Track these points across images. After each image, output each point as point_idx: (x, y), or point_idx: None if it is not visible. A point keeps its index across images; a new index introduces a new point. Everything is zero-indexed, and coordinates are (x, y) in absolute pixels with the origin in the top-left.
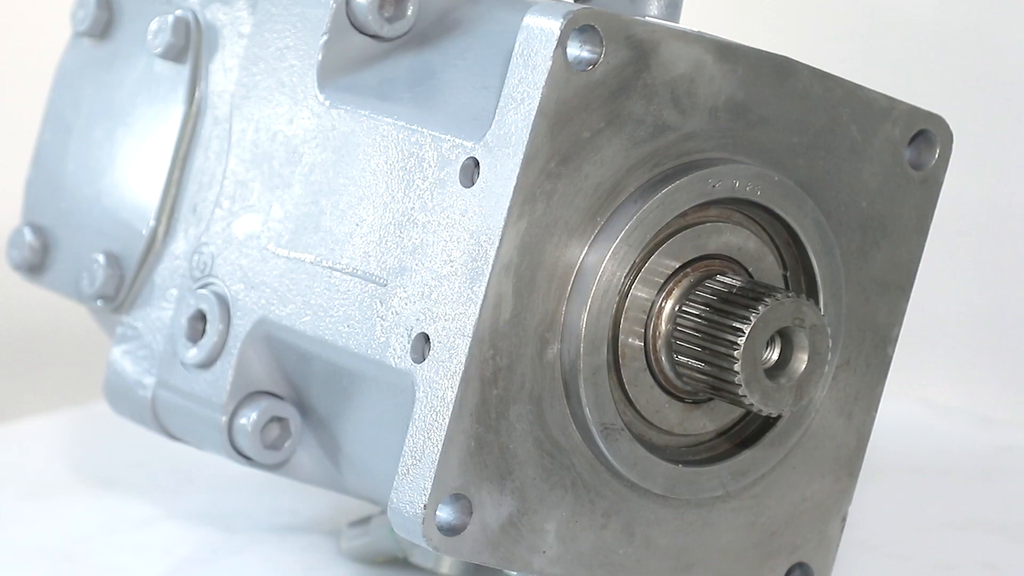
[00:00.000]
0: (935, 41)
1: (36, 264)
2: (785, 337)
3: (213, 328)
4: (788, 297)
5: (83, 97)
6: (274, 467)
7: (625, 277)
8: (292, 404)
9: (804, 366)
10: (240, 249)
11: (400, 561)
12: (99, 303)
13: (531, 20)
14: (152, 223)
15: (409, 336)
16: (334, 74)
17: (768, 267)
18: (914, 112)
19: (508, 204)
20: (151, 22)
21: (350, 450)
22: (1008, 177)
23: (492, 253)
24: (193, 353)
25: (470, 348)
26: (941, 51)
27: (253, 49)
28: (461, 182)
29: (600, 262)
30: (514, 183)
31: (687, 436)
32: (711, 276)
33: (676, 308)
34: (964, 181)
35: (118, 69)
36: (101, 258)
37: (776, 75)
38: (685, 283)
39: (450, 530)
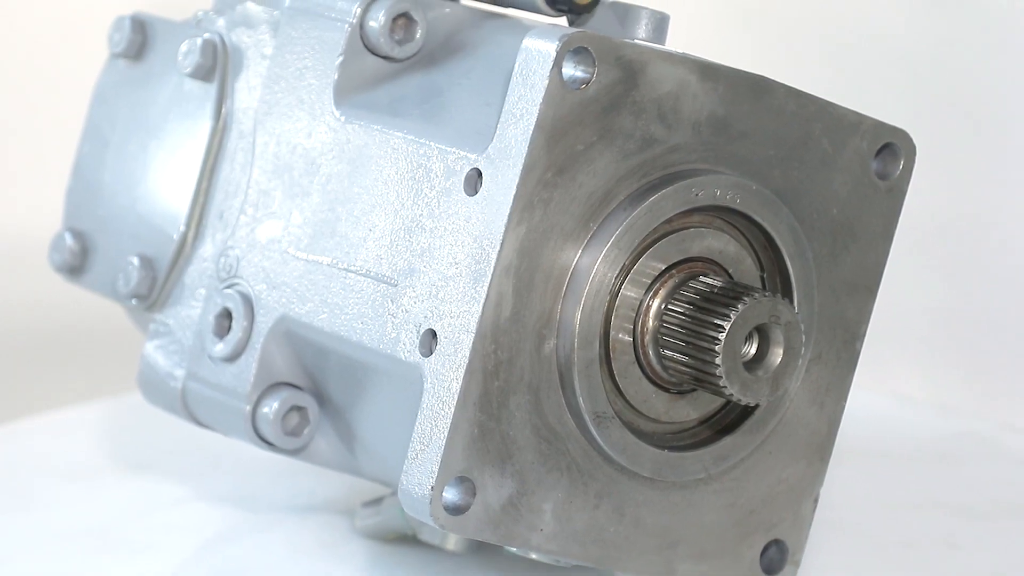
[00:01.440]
0: (902, 62)
1: (76, 266)
2: (762, 333)
3: (238, 325)
4: (765, 296)
5: (119, 113)
6: (294, 452)
7: (616, 278)
8: (310, 394)
9: (779, 360)
10: (263, 252)
11: (409, 538)
12: (134, 302)
13: (529, 43)
14: (182, 229)
15: (418, 332)
16: (349, 92)
17: (746, 269)
18: (880, 127)
19: (508, 211)
20: (181, 44)
21: (364, 436)
22: (968, 186)
23: (494, 256)
24: (220, 348)
25: (474, 343)
26: (907, 71)
27: (275, 69)
28: (465, 191)
29: (593, 264)
30: (514, 192)
31: (672, 424)
32: (694, 277)
33: (662, 306)
34: (928, 190)
35: (151, 87)
36: (135, 260)
37: (754, 93)
38: (670, 283)
39: (455, 510)
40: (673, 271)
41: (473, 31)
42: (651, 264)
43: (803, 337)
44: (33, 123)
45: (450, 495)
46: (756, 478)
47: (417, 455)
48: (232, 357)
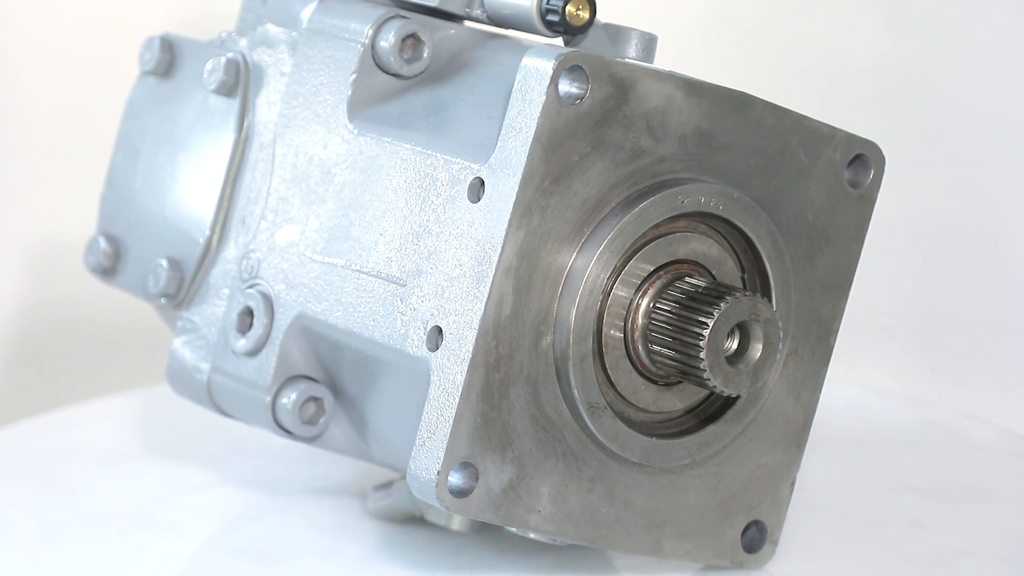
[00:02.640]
0: (872, 79)
1: (109, 268)
2: (743, 329)
3: (259, 322)
4: (745, 296)
5: (149, 126)
6: (310, 440)
7: (608, 279)
8: (326, 386)
9: (759, 354)
10: (282, 255)
11: (417, 519)
12: (162, 301)
13: (528, 61)
14: (207, 233)
15: (425, 329)
16: (361, 107)
17: (728, 270)
18: (852, 139)
19: (509, 217)
20: (207, 63)
21: (375, 425)
22: (932, 194)
23: (495, 258)
24: (242, 343)
25: (477, 339)
26: (877, 87)
27: (293, 86)
28: (469, 198)
29: (586, 266)
30: (514, 199)
31: (660, 413)
32: (680, 278)
33: (651, 305)
34: (896, 197)
35: (178, 103)
36: (164, 263)
37: (735, 107)
38: (658, 284)
39: (459, 493)
40: (661, 272)
41: (476, 50)
42: (640, 266)
43: (781, 333)
44: (70, 136)
45: (455, 479)
46: (737, 463)
47: (424, 442)
48: (253, 352)
